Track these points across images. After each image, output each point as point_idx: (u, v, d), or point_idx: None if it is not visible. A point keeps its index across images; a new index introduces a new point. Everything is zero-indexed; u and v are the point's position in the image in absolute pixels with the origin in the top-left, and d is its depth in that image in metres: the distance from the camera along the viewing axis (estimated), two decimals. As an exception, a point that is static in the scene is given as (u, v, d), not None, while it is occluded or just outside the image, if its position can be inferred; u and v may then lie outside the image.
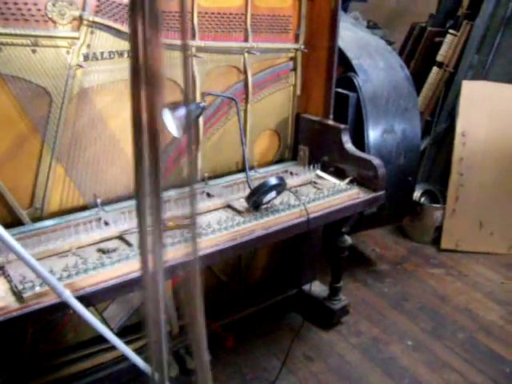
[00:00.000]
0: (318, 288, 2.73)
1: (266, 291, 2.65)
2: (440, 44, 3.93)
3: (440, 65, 3.90)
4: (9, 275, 1.51)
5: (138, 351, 1.66)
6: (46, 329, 1.94)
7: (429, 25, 4.14)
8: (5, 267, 1.55)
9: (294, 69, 2.43)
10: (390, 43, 3.85)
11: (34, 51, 1.67)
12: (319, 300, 2.67)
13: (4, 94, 1.65)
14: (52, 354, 2.00)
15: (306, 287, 2.72)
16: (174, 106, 1.99)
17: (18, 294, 1.43)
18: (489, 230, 3.41)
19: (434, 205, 3.55)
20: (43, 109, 1.74)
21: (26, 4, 1.62)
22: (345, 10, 4.83)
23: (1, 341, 1.83)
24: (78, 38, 1.76)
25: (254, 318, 2.56)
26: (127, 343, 1.62)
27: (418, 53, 4.14)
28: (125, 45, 1.87)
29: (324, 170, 2.36)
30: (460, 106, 3.43)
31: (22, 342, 1.90)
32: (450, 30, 3.86)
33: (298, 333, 2.53)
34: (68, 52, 1.74)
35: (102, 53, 1.83)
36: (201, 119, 2.14)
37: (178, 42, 1.97)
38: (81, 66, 1.78)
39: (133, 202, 2.00)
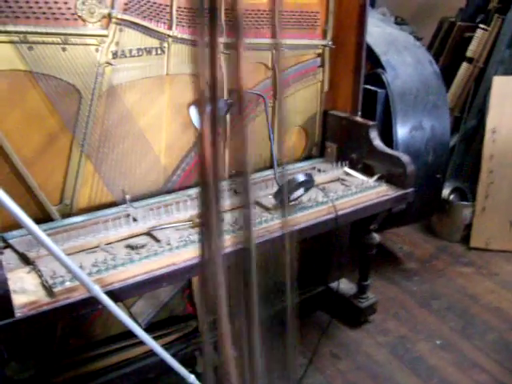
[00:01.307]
0: (345, 286, 2.71)
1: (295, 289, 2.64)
2: (470, 39, 3.85)
3: (470, 60, 3.83)
4: (39, 270, 1.53)
5: (166, 347, 1.67)
6: (75, 323, 1.96)
7: (458, 19, 4.07)
8: (36, 262, 1.57)
9: (322, 65, 2.41)
10: (418, 39, 3.80)
11: (64, 49, 1.69)
12: (347, 298, 2.65)
13: (35, 92, 1.67)
14: (81, 348, 2.02)
15: (334, 285, 2.70)
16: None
17: (48, 289, 1.45)
18: (520, 228, 3.34)
19: (463, 202, 3.49)
20: (73, 106, 1.76)
21: (56, 3, 1.64)
22: (372, 5, 4.78)
23: (31, 335, 1.86)
24: (106, 36, 1.77)
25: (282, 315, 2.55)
26: (155, 339, 1.63)
27: (447, 48, 4.07)
28: (153, 42, 1.88)
29: (352, 166, 2.34)
30: (490, 102, 3.37)
31: (51, 337, 1.93)
32: (481, 25, 3.78)
33: (326, 331, 2.52)
34: (97, 50, 1.76)
35: (130, 50, 1.84)
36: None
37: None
38: (110, 64, 1.79)
39: (161, 199, 2.01)
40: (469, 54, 3.83)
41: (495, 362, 2.42)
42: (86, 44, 1.73)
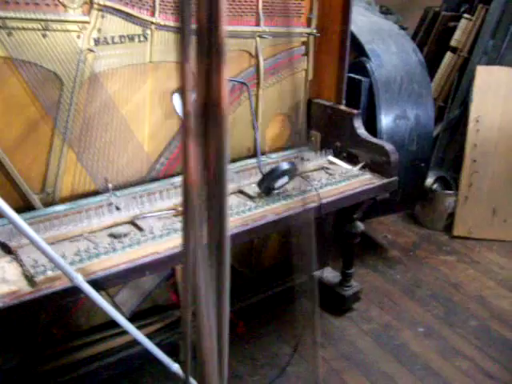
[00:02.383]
0: (329, 274, 2.72)
1: (278, 277, 2.65)
2: (454, 29, 3.87)
3: (454, 50, 3.85)
4: (21, 259, 1.52)
5: (150, 336, 1.66)
6: (58, 313, 1.95)
7: (443, 9, 4.08)
8: (17, 252, 1.56)
9: (306, 53, 2.40)
10: (403, 28, 3.80)
11: (44, 35, 1.67)
12: (331, 286, 2.66)
13: (15, 79, 1.65)
14: (64, 338, 2.01)
15: (318, 273, 2.71)
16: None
17: (30, 278, 1.44)
18: (502, 217, 3.37)
19: (447, 191, 3.52)
20: (54, 94, 1.74)
21: (36, -12, 1.61)
22: (357, -6, 4.77)
23: (14, 325, 1.84)
24: (88, 22, 1.75)
25: (265, 304, 2.56)
26: (139, 328, 1.63)
27: (431, 38, 4.08)
28: (135, 29, 1.86)
29: (336, 155, 2.35)
30: (474, 91, 3.39)
31: (34, 327, 1.91)
32: (465, 15, 3.80)
33: (310, 319, 2.53)
34: (79, 36, 1.74)
35: (112, 37, 1.81)
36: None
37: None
38: (91, 51, 1.77)
39: (144, 187, 2.00)
40: (453, 43, 3.85)
41: (477, 349, 2.45)
42: (67, 30, 1.71)
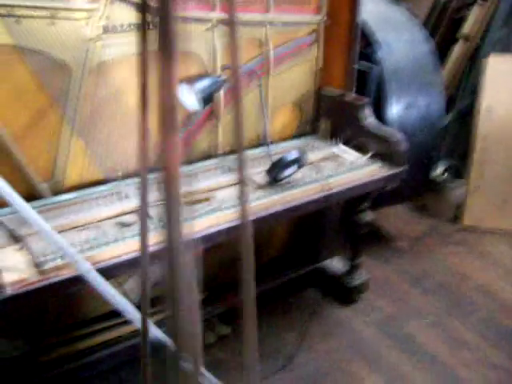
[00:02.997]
0: (336, 264, 2.72)
1: (285, 267, 2.65)
2: (465, 18, 3.82)
3: (465, 38, 3.80)
4: (29, 248, 1.52)
5: (158, 324, 1.67)
6: (66, 301, 1.96)
7: (454, -3, 4.03)
8: (26, 240, 1.56)
9: (316, 42, 2.38)
10: (414, 16, 3.76)
11: (52, 23, 1.65)
12: (338, 276, 2.66)
13: (23, 67, 1.64)
14: (72, 326, 2.02)
15: (325, 263, 2.71)
16: (191, 79, 1.98)
17: (38, 266, 1.45)
18: (512, 207, 3.35)
19: (456, 181, 3.49)
20: (62, 82, 1.74)
21: (44, -25, 1.60)
22: (368, -19, 4.72)
23: (22, 312, 1.85)
24: (96, 10, 1.73)
25: (272, 293, 2.56)
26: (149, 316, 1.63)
27: (442, 26, 4.03)
28: (144, 16, 1.84)
29: (345, 144, 2.33)
30: (485, 80, 3.35)
31: (43, 314, 1.92)
32: (478, 1, 3.74)
33: (316, 309, 2.53)
34: (87, 24, 1.72)
35: (121, 25, 1.80)
36: (221, 93, 2.11)
37: (197, 15, 1.95)
38: (100, 39, 1.76)
39: (152, 176, 2.00)
40: (464, 31, 3.80)
41: (484, 341, 2.44)
42: (76, 18, 1.70)
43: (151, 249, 1.57)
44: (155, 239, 1.58)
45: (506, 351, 2.38)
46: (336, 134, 2.38)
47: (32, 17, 1.61)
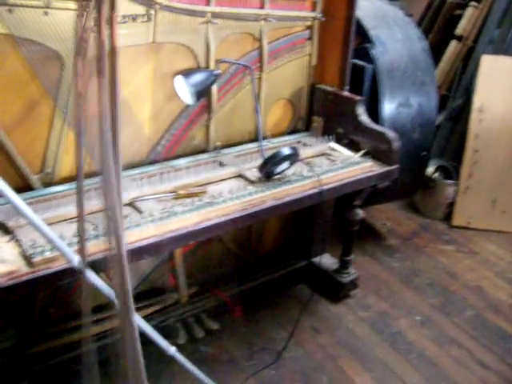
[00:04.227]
0: (327, 261, 2.72)
1: (276, 262, 2.65)
2: (460, 17, 3.83)
3: (459, 38, 3.81)
4: (19, 240, 1.51)
5: (147, 319, 1.66)
6: (56, 294, 1.95)
7: (449, -3, 4.04)
8: (15, 232, 1.54)
9: (311, 38, 2.37)
10: (408, 15, 3.76)
11: (45, 13, 1.64)
12: (329, 273, 2.66)
13: (16, 57, 1.62)
14: (62, 318, 2.01)
15: (316, 259, 2.72)
16: (187, 73, 1.97)
17: (27, 259, 1.43)
18: (502, 208, 3.37)
19: (447, 181, 3.50)
20: (55, 72, 1.72)
21: (38, -36, 1.58)
22: (363, -21, 4.72)
23: (12, 305, 1.84)
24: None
25: (262, 288, 2.56)
26: (136, 310, 1.62)
27: (436, 25, 4.04)
28: (139, 9, 1.82)
29: (338, 141, 2.33)
30: (478, 80, 3.36)
31: (32, 307, 1.91)
32: (472, 2, 3.76)
33: (307, 305, 2.53)
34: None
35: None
36: (214, 87, 2.10)
37: (192, 8, 1.94)
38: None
39: (145, 169, 1.99)
40: (458, 31, 3.81)
41: (473, 339, 2.46)
42: (69, 9, 1.68)
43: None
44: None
45: (495, 349, 2.39)
46: (329, 131, 2.37)
47: (25, 6, 1.58)
